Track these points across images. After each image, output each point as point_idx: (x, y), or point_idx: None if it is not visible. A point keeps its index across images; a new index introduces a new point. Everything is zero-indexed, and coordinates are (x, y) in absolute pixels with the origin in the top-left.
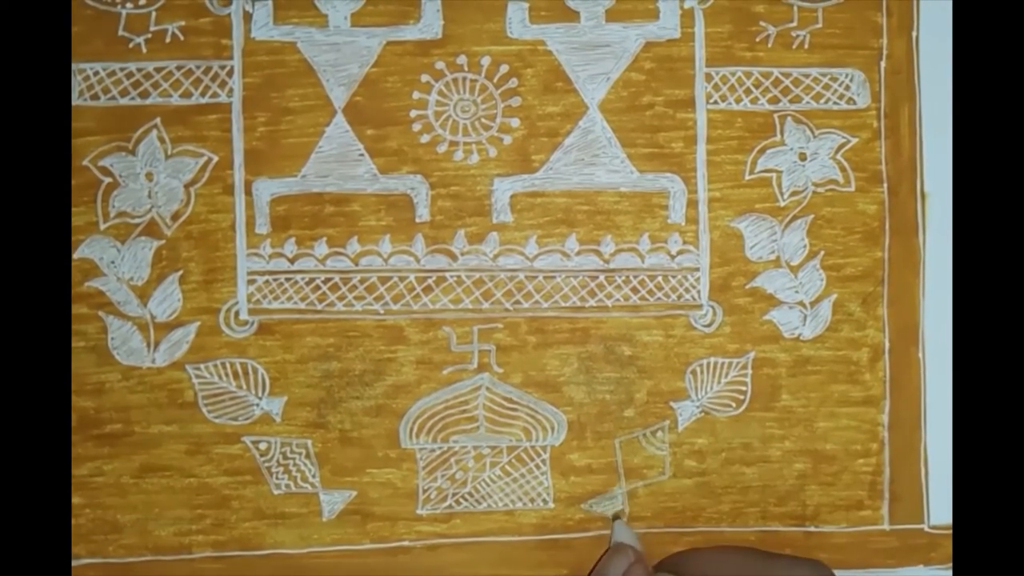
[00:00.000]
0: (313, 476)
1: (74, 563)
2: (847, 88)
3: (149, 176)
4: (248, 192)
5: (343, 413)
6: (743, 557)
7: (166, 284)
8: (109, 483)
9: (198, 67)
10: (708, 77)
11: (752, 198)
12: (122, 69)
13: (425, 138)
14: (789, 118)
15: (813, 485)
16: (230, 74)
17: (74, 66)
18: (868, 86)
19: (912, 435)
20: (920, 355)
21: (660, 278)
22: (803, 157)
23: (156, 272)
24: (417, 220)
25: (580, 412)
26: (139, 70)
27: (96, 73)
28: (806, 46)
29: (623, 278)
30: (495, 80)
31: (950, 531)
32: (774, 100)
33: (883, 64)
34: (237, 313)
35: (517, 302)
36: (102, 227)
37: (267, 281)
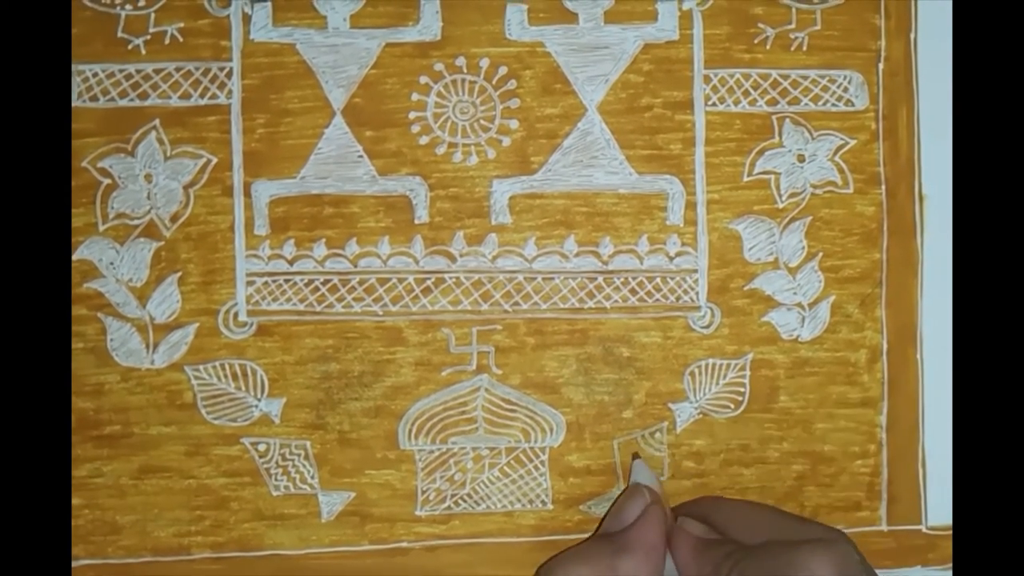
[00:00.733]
0: (312, 477)
1: (73, 564)
2: (845, 90)
3: (148, 178)
4: (247, 194)
5: (342, 414)
6: (768, 513)
7: (165, 285)
8: (108, 484)
9: (197, 69)
10: (707, 79)
11: (750, 200)
12: (121, 71)
13: (424, 140)
14: (787, 120)
15: (811, 486)
16: (229, 76)
17: (73, 67)
18: (866, 88)
19: (910, 436)
20: (918, 356)
21: (659, 279)
22: (801, 159)
23: (155, 273)
24: (416, 222)
25: (579, 413)
26: (138, 71)
27: (95, 75)
28: (804, 48)
29: (622, 279)
30: (494, 82)
31: (948, 532)
32: (772, 102)
33: (881, 66)
34: (236, 314)
35: (516, 303)
36: (101, 228)
37: (266, 282)
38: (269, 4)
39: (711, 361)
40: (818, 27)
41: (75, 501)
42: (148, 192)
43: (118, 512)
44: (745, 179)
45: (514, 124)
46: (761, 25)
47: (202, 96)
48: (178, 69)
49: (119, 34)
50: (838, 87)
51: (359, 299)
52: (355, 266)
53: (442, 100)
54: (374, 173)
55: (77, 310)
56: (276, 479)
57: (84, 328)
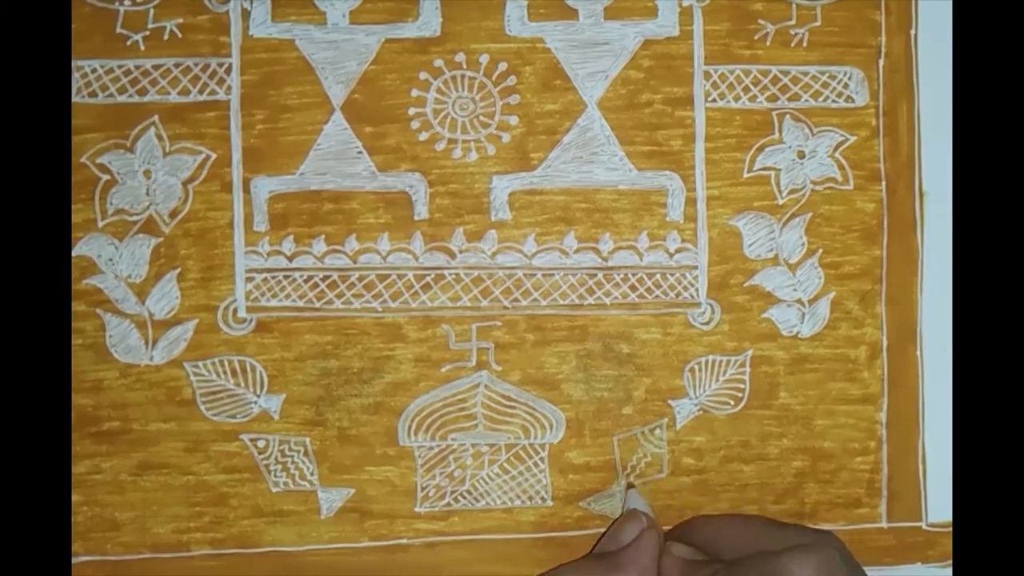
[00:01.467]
0: (311, 474)
1: (72, 561)
2: (845, 86)
3: (147, 173)
4: (246, 190)
5: (341, 411)
6: (753, 525)
7: (164, 282)
8: (107, 481)
9: (196, 64)
10: (707, 75)
11: (750, 196)
12: (120, 66)
13: (423, 136)
14: (788, 116)
15: (811, 483)
16: (228, 72)
17: (72, 63)
18: (867, 84)
19: (910, 433)
20: (918, 353)
21: (658, 276)
22: (801, 155)
23: (154, 270)
24: (415, 218)
25: (578, 410)
26: (137, 67)
27: (94, 70)
28: (805, 44)
29: (621, 276)
30: (493, 78)
31: (948, 529)
32: (772, 98)
33: (882, 62)
34: (235, 311)
35: (515, 300)
36: (100, 224)
37: (265, 279)
38: (268, 0)
39: (711, 357)
40: (818, 23)
41: (74, 498)
42: (147, 188)
43: (117, 509)
44: (745, 175)
45: (514, 120)
46: (761, 21)
47: (201, 92)
48: (177, 65)
49: (118, 30)
50: (838, 83)
51: (358, 295)
52: (354, 262)
53: (442, 96)
54: (373, 169)
55: (76, 306)
56: (275, 475)
57: (83, 324)
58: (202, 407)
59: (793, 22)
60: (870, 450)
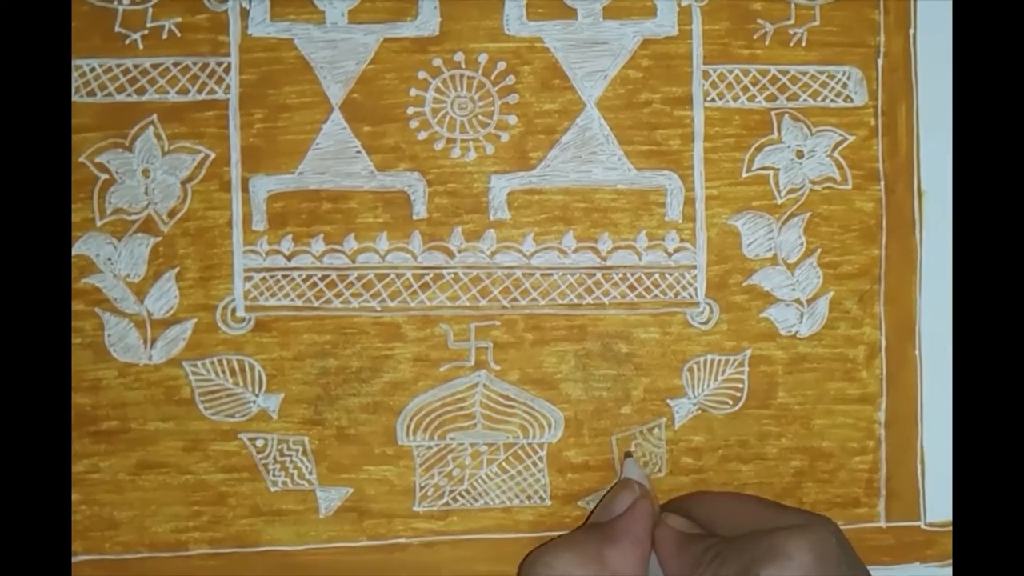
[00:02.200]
0: (310, 473)
1: (71, 560)
2: (844, 86)
3: (146, 173)
4: (245, 189)
5: (340, 410)
6: (751, 504)
7: (163, 281)
8: (105, 480)
9: (195, 64)
10: (705, 75)
11: (749, 196)
12: (119, 65)
13: (422, 135)
14: (786, 116)
15: (810, 482)
16: (227, 71)
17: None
18: (865, 84)
19: (909, 432)
20: (917, 353)
21: (657, 275)
22: (800, 155)
23: (153, 269)
24: (414, 217)
25: (577, 409)
26: (136, 66)
27: (92, 69)
28: (803, 44)
29: (620, 275)
30: (492, 77)
31: (947, 528)
32: (771, 98)
33: (880, 62)
34: (234, 310)
35: (514, 299)
36: (98, 224)
37: (264, 278)
38: None
39: (709, 357)
40: (817, 22)
41: (72, 497)
42: (146, 187)
43: (116, 508)
44: (744, 175)
45: (512, 120)
46: (760, 21)
47: (200, 91)
48: (176, 64)
49: (116, 29)
50: (837, 83)
51: (357, 295)
52: (353, 262)
53: (440, 95)
54: (372, 169)
55: (75, 305)
56: (274, 475)
57: (82, 324)
58: (201, 406)
59: (792, 21)
60: (868, 450)
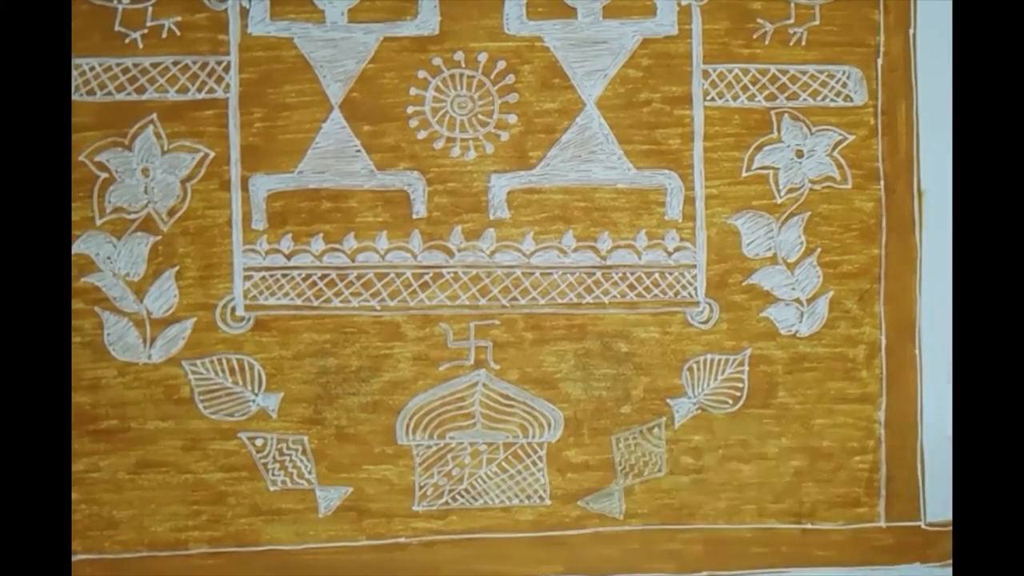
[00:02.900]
0: (309, 472)
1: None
2: (844, 85)
3: (145, 172)
4: (244, 188)
5: (339, 409)
6: None
7: (162, 280)
8: (105, 479)
9: (194, 63)
10: (705, 74)
11: (749, 195)
12: (118, 64)
13: (422, 134)
14: (786, 115)
15: (810, 482)
16: (227, 70)
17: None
18: (865, 83)
19: (909, 432)
20: (916, 352)
21: (657, 275)
22: (800, 154)
23: (152, 268)
24: (414, 216)
25: (577, 409)
26: (135, 66)
27: (92, 69)
28: (803, 43)
29: (620, 275)
30: (492, 76)
31: (947, 528)
32: (771, 97)
33: (880, 61)
34: (233, 309)
35: (514, 299)
36: (98, 222)
37: (263, 277)
38: None
39: (709, 356)
40: (817, 22)
41: (72, 496)
42: (145, 186)
43: (115, 507)
44: (743, 174)
45: (512, 119)
46: (760, 20)
47: (199, 90)
48: (175, 63)
49: (116, 28)
50: (837, 82)
51: (357, 294)
52: (353, 261)
53: (440, 95)
54: (372, 168)
55: (74, 304)
56: (273, 474)
57: (81, 323)
58: (200, 405)
59: (792, 21)
60: (869, 449)
